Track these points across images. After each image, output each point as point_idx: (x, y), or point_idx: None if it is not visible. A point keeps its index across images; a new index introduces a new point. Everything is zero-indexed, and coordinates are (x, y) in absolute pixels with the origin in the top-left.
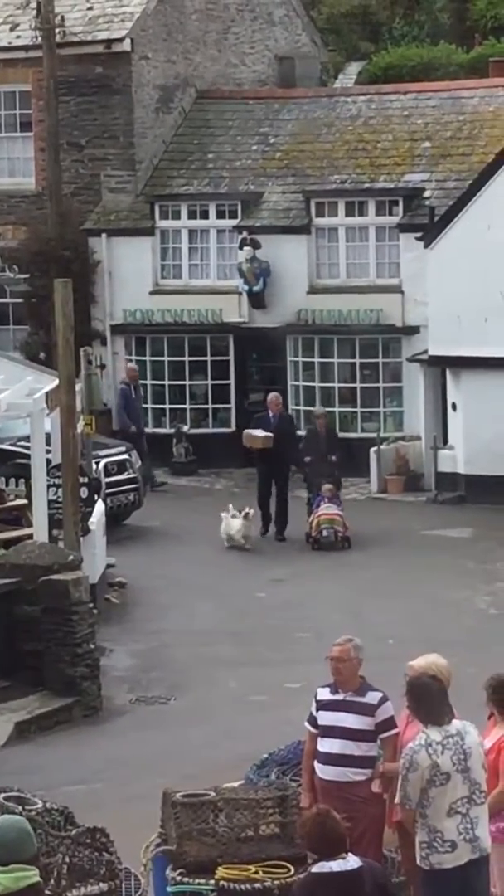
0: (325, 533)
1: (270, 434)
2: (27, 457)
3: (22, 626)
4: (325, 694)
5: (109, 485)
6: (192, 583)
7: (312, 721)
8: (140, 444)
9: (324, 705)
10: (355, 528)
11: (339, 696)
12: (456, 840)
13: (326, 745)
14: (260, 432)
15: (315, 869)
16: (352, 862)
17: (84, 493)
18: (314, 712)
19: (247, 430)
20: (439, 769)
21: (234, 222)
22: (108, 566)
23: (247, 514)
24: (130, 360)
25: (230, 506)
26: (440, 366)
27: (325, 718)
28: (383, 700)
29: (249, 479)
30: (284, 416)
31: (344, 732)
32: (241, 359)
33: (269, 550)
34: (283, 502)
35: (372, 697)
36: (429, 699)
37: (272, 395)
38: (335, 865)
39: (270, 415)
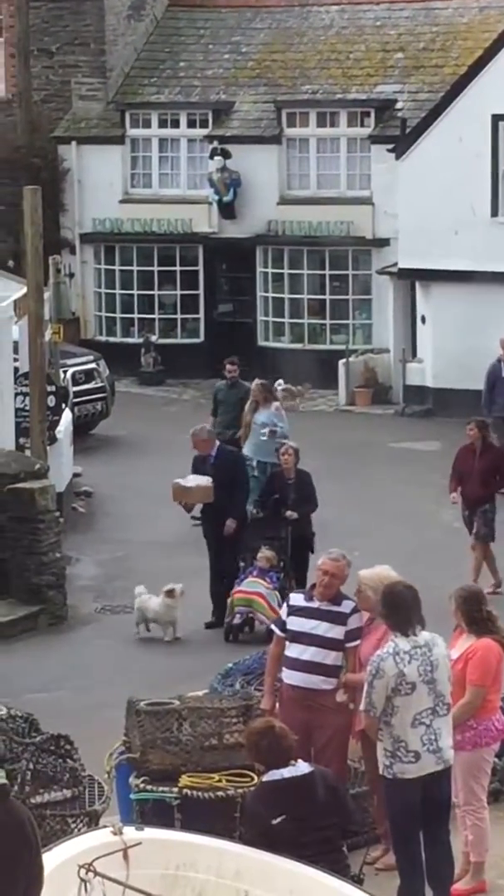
0: (237, 619)
1: (208, 484)
2: None
3: None
4: (298, 600)
5: (77, 394)
6: (158, 493)
7: (281, 625)
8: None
9: (296, 611)
10: (321, 441)
11: (314, 604)
12: (419, 750)
13: (296, 651)
14: (193, 480)
15: (266, 777)
16: (302, 767)
17: (52, 401)
18: (284, 617)
19: (176, 481)
20: (405, 678)
21: (204, 132)
22: (75, 475)
23: (171, 591)
24: None
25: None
26: (410, 278)
27: (296, 624)
28: (355, 609)
29: None
30: (225, 451)
31: (315, 640)
32: (211, 269)
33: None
34: (231, 576)
35: (346, 606)
36: (402, 607)
37: (196, 429)
38: (286, 772)
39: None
